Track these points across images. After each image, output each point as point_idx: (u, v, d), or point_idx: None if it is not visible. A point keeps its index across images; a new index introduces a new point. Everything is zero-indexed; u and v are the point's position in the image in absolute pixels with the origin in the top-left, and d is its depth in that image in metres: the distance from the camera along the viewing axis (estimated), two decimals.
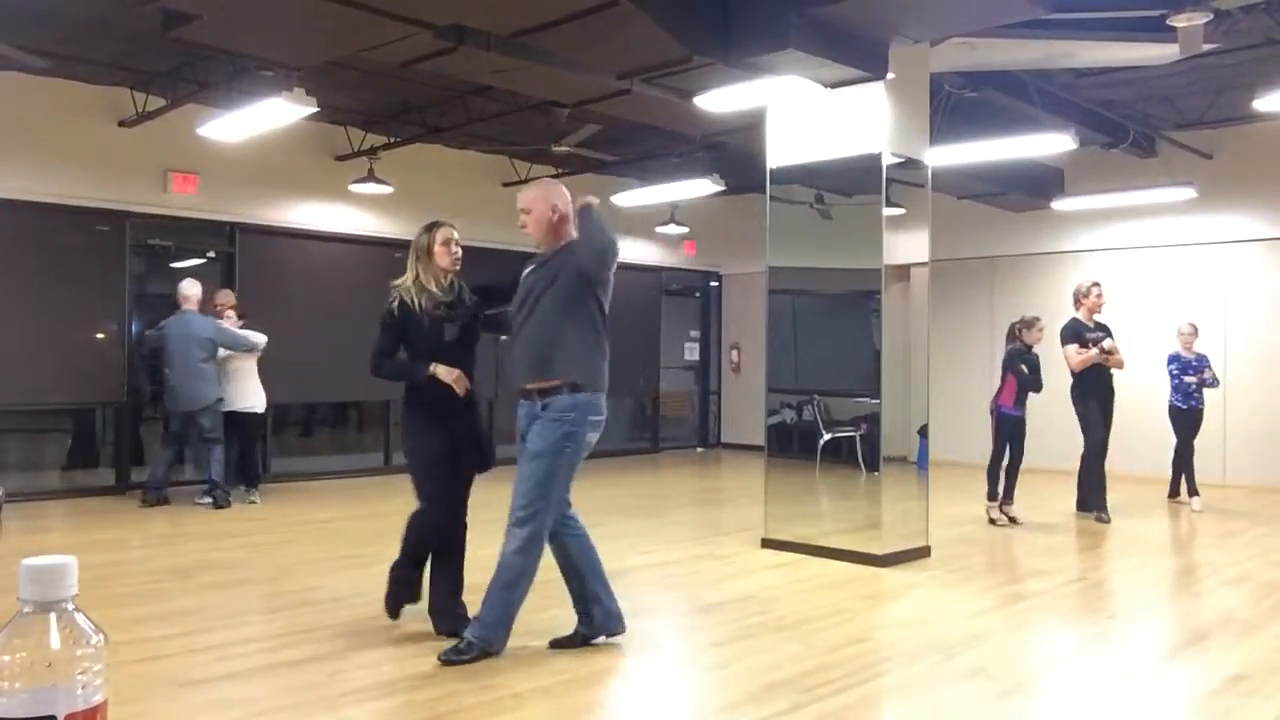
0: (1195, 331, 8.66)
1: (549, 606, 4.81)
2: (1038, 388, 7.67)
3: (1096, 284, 8.12)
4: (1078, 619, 5.06)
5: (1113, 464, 8.13)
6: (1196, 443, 8.55)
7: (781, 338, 6.90)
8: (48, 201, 8.45)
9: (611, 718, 3.56)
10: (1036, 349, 7.78)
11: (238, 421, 8.31)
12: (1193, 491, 8.45)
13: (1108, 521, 7.64)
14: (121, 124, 8.78)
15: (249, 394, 8.36)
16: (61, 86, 8.47)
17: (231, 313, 8.40)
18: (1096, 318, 8.09)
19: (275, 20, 6.16)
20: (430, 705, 3.48)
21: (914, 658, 4.14)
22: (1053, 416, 8.47)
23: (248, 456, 8.50)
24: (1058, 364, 8.07)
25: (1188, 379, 8.47)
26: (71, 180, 8.57)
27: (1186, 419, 8.50)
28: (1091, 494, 7.91)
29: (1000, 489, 7.62)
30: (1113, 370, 7.95)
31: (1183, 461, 8.52)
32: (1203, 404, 8.52)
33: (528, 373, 4.04)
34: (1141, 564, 6.53)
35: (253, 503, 8.26)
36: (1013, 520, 7.54)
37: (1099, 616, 5.17)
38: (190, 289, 8.15)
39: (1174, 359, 8.60)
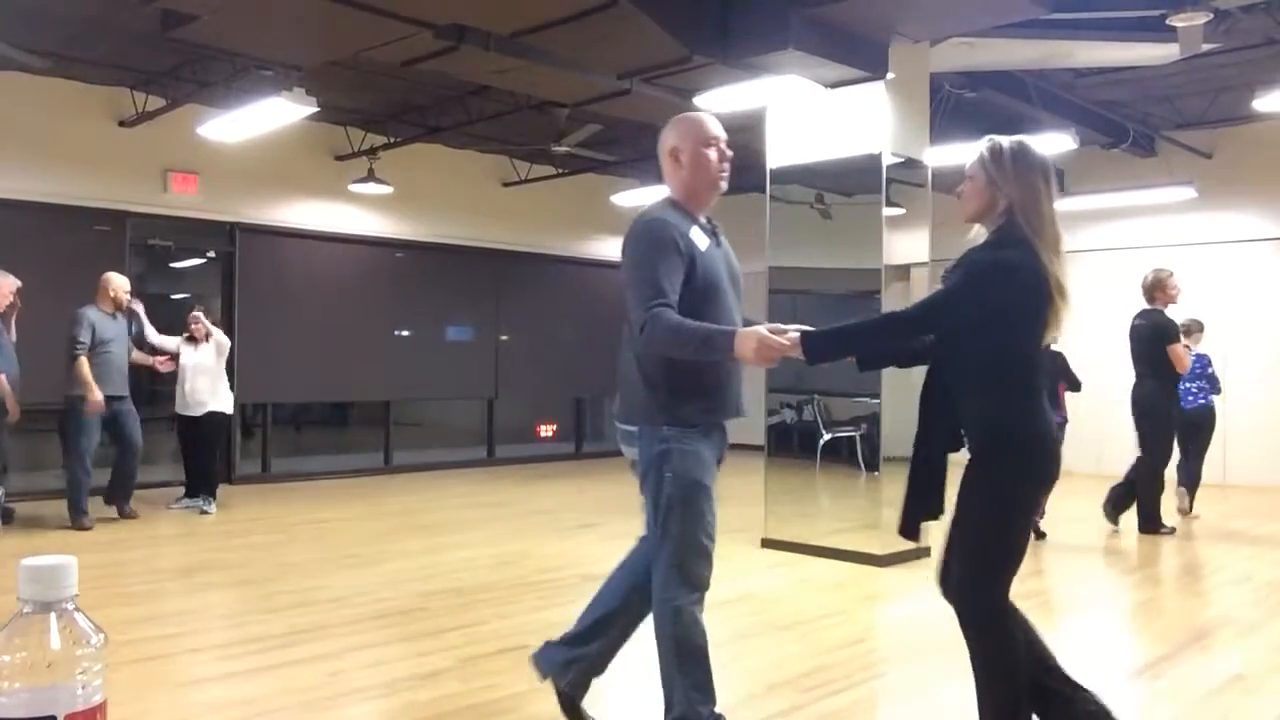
0: (1200, 327, 8.18)
1: (548, 606, 4.82)
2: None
3: (1160, 270, 7.34)
4: (1077, 618, 5.06)
5: (1117, 464, 7.52)
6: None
7: None
8: (48, 201, 8.45)
9: (610, 718, 3.55)
10: (1057, 347, 6.47)
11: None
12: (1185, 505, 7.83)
13: (1171, 531, 7.11)
14: (121, 124, 8.79)
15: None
16: (61, 86, 8.47)
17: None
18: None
19: (275, 20, 6.17)
20: (430, 705, 3.48)
21: (914, 658, 4.14)
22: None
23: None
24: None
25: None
26: (71, 180, 8.57)
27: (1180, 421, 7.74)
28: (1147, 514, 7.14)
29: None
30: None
31: (1180, 470, 7.86)
32: (1202, 404, 7.91)
33: None
34: (1141, 564, 6.53)
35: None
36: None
37: (1099, 616, 5.17)
38: None
39: None
